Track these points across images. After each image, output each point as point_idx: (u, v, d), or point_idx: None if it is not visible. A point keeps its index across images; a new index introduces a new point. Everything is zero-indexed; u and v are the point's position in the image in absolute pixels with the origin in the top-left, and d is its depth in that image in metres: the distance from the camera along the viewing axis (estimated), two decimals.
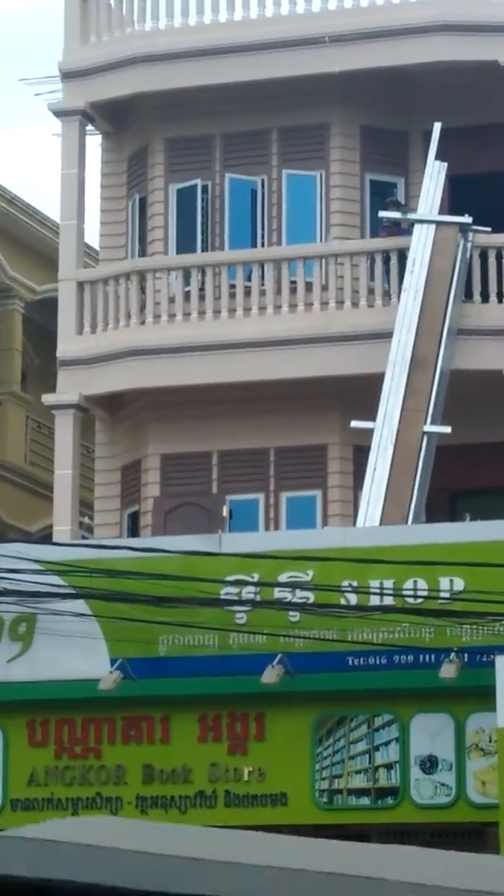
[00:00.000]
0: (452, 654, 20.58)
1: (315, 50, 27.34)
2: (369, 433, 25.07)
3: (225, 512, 26.42)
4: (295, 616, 21.51)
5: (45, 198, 31.82)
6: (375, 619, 21.26)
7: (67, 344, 28.26)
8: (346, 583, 21.38)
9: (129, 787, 21.91)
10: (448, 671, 20.44)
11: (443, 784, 20.89)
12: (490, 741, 19.99)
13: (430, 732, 20.95)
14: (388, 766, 21.14)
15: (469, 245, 26.69)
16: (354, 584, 21.35)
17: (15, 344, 33.14)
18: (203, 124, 28.58)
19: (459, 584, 20.99)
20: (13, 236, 32.64)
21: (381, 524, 23.88)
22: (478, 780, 20.51)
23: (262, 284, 27.53)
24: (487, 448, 25.74)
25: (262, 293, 27.47)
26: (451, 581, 21.06)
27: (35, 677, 22.41)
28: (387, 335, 25.77)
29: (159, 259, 28.24)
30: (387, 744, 21.18)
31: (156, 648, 21.78)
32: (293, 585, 21.65)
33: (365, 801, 21.54)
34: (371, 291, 27.10)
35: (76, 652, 22.08)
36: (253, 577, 21.88)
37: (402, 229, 26.72)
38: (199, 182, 28.66)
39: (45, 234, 31.68)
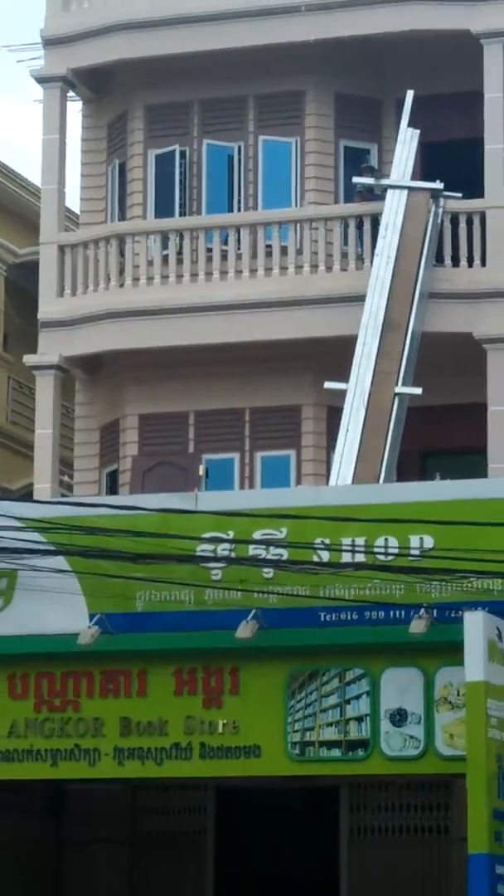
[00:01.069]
0: (422, 610, 20.63)
1: (291, 18, 27.39)
2: (342, 394, 25.17)
3: (201, 471, 26.57)
4: (269, 572, 21.56)
5: (27, 162, 31.83)
6: (347, 575, 21.30)
7: (48, 306, 28.38)
8: (318, 540, 21.41)
9: (106, 739, 21.92)
10: (418, 627, 20.49)
11: (412, 737, 20.92)
12: (458, 695, 20.03)
13: (400, 686, 21.02)
14: (359, 720, 21.16)
15: (440, 210, 26.85)
16: (327, 541, 21.41)
17: None
18: (181, 91, 28.70)
19: (429, 542, 21.05)
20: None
21: (353, 483, 23.94)
22: (446, 733, 20.56)
23: (239, 248, 27.72)
24: (457, 409, 25.89)
25: (239, 257, 27.63)
26: (422, 539, 21.13)
27: (15, 632, 22.37)
28: (360, 299, 25.92)
29: (138, 223, 28.38)
30: (357, 697, 21.20)
31: (133, 604, 21.85)
32: (267, 542, 21.69)
33: (336, 753, 21.40)
34: (345, 256, 27.27)
35: (56, 607, 22.18)
36: (228, 535, 21.93)
37: (375, 195, 26.84)
38: (177, 148, 28.77)
39: (26, 199, 31.77)
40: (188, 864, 25.52)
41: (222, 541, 21.91)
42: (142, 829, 25.63)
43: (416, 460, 25.35)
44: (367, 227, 26.86)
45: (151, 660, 22.08)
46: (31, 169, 31.13)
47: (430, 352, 25.71)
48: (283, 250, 27.53)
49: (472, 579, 20.68)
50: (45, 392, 28.28)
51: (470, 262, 26.81)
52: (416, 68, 27.24)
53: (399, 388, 25.17)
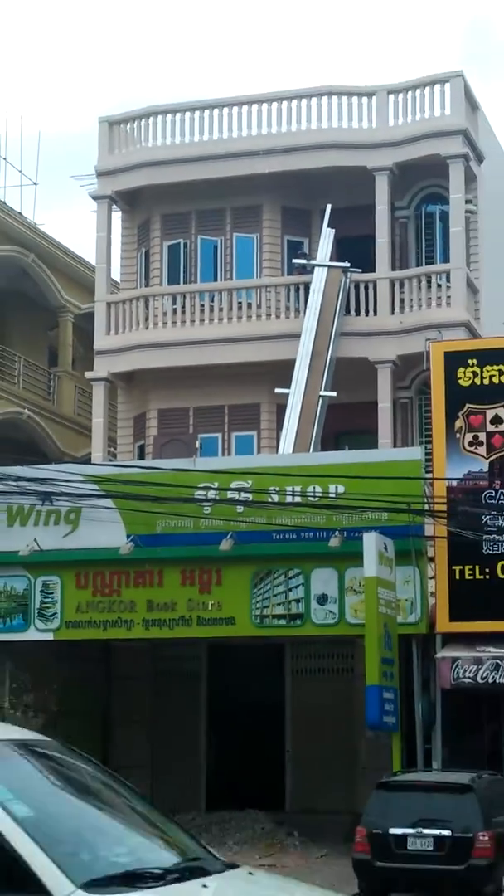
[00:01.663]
0: (336, 532, 21.30)
1: (253, 158, 26.97)
2: (286, 396, 25.50)
3: (197, 445, 26.56)
4: (240, 509, 22.16)
5: (87, 250, 31.65)
6: (289, 510, 21.92)
7: (100, 341, 28.00)
8: (271, 488, 22.05)
9: (137, 613, 22.56)
10: (334, 542, 21.24)
11: (330, 611, 21.58)
12: (359, 585, 20.49)
13: (323, 579, 21.65)
14: (297, 601, 21.84)
15: (348, 280, 26.76)
16: (276, 488, 22.02)
17: (68, 341, 32.85)
18: (184, 204, 28.10)
19: (341, 489, 21.61)
20: (67, 273, 32.42)
21: (293, 452, 24.30)
22: (352, 609, 21.18)
23: (221, 303, 27.35)
24: (358, 405, 25.62)
25: (220, 308, 27.28)
26: (336, 487, 21.70)
27: (80, 546, 22.93)
28: (297, 336, 25.86)
29: (156, 288, 28.02)
30: (296, 587, 21.86)
31: (154, 528, 22.34)
32: (239, 490, 22.23)
33: (283, 622, 22.22)
34: (288, 308, 27.07)
35: (105, 531, 22.77)
36: (214, 485, 22.52)
37: (307, 270, 26.73)
38: (181, 241, 28.20)
39: (86, 272, 31.45)
40: (188, 693, 25.91)
41: (210, 488, 22.62)
42: (159, 671, 26.01)
43: (332, 438, 25.45)
44: (301, 290, 26.61)
45: (166, 563, 22.79)
46: (89, 253, 30.92)
47: (342, 369, 25.72)
48: (249, 305, 27.17)
49: (367, 513, 21.05)
50: (99, 395, 27.96)
51: (367, 312, 26.51)
52: (333, 190, 26.51)
53: (322, 392, 25.46)
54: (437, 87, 27.23)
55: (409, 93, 27.52)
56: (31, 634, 23.23)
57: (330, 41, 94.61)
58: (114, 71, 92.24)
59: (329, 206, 27.27)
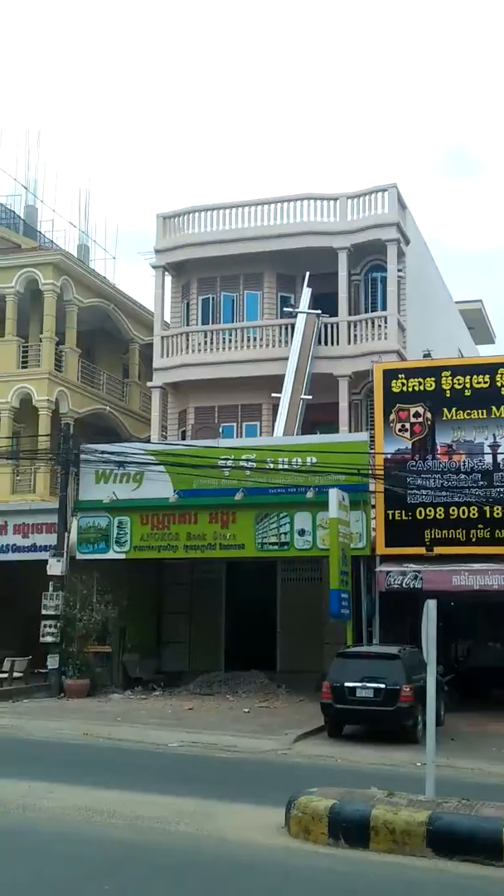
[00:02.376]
0: (311, 488, 21.32)
1: (258, 241, 26.83)
2: (279, 399, 25.48)
3: (220, 430, 26.50)
4: (248, 472, 22.12)
5: (148, 300, 31.47)
6: (280, 474, 21.92)
7: (157, 361, 27.74)
8: (268, 459, 22.07)
9: (180, 541, 22.54)
10: (310, 494, 21.34)
11: (307, 540, 21.58)
12: (326, 523, 20.52)
13: (302, 519, 21.67)
14: (285, 533, 21.88)
15: (320, 321, 26.54)
16: (271, 460, 22.02)
17: (135, 361, 32.61)
18: (212, 272, 27.78)
19: (314, 460, 21.65)
20: (134, 317, 32.09)
21: (283, 435, 24.30)
22: (321, 539, 21.16)
23: (235, 337, 27.10)
24: (326, 404, 25.49)
25: (235, 340, 27.02)
26: (311, 459, 21.76)
27: (143, 496, 22.86)
28: (286, 358, 25.80)
29: (193, 327, 27.77)
30: (285, 524, 21.87)
31: (192, 485, 22.31)
32: (247, 460, 22.23)
33: (275, 547, 22.12)
34: (280, 340, 26.82)
35: (159, 487, 22.79)
36: (230, 457, 22.49)
37: (293, 315, 26.53)
38: (210, 295, 27.80)
39: (147, 316, 31.12)
40: (213, 594, 25.78)
41: (228, 459, 22.57)
42: (194, 579, 25.85)
43: (309, 426, 25.26)
44: (289, 329, 26.42)
45: (199, 509, 22.67)
46: (150, 303, 30.54)
47: (316, 380, 25.62)
48: (254, 338, 26.87)
49: (331, 475, 21.09)
50: (155, 398, 27.92)
51: (332, 343, 26.28)
52: (310, 263, 26.26)
53: (302, 396, 25.45)
54: (379, 195, 27.10)
55: (362, 198, 27.33)
56: (111, 555, 23.27)
57: (314, 154, 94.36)
58: (166, 179, 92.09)
59: (308, 274, 27.15)
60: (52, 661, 22.33)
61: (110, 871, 7.48)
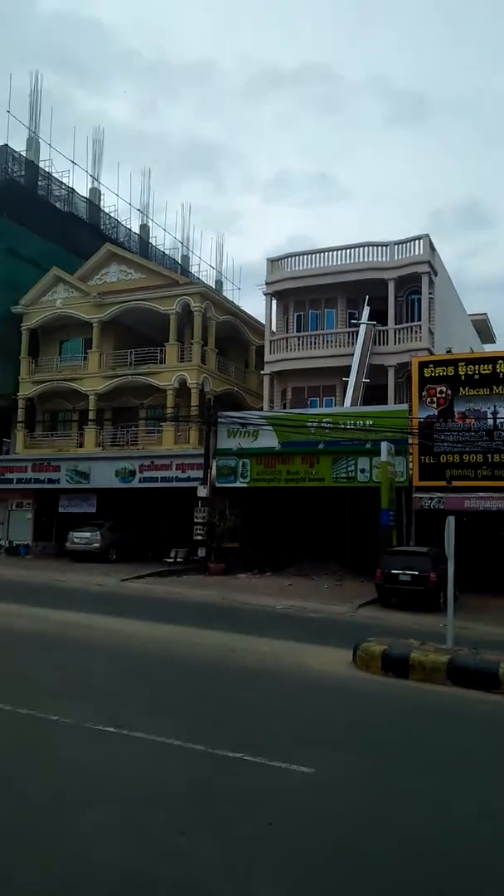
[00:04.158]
0: (369, 441, 21.04)
1: (333, 276, 26.72)
2: (347, 381, 25.17)
3: (308, 403, 26.36)
4: (327, 430, 21.91)
5: (261, 316, 31.25)
6: (349, 431, 21.65)
7: (267, 357, 27.54)
8: (340, 422, 21.77)
9: (282, 476, 22.51)
10: (368, 445, 20.96)
11: (366, 476, 21.34)
12: (379, 465, 20.24)
13: (363, 462, 21.33)
14: (352, 471, 21.61)
15: (375, 329, 25.95)
16: (343, 422, 21.71)
17: (252, 357, 32.24)
18: (302, 297, 27.28)
19: (371, 422, 21.34)
20: (252, 327, 31.49)
21: (350, 405, 24.04)
22: (375, 476, 20.85)
23: (318, 340, 26.73)
24: (378, 386, 25.10)
25: (318, 342, 26.81)
26: (370, 422, 21.46)
27: (258, 446, 22.79)
28: (352, 353, 25.46)
29: (290, 334, 27.47)
30: (352, 465, 21.58)
31: (289, 438, 22.24)
32: (327, 422, 22.04)
33: (345, 480, 21.84)
34: (348, 342, 26.28)
35: (267, 440, 22.70)
36: (315, 420, 22.30)
37: (357, 325, 26.01)
38: (302, 312, 27.29)
39: (260, 327, 30.61)
40: (304, 512, 24.87)
41: (314, 421, 22.20)
42: (292, 501, 24.79)
43: (368, 400, 24.82)
44: (354, 334, 25.77)
45: (295, 454, 22.40)
46: (261, 317, 30.40)
47: (371, 370, 25.28)
48: (332, 340, 26.47)
49: (382, 433, 20.76)
50: (266, 382, 27.56)
51: (383, 343, 25.80)
52: (369, 289, 25.83)
53: (363, 380, 25.14)
54: (417, 241, 26.24)
55: (404, 244, 26.50)
56: (237, 484, 23.29)
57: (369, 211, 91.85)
58: (272, 234, 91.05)
59: (367, 296, 26.57)
60: (201, 552, 22.88)
61: (240, 684, 7.83)
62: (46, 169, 34.59)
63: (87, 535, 25.22)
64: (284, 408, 27.01)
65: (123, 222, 39.06)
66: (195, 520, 23.00)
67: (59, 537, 27.29)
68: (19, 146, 33.63)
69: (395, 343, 26.26)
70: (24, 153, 33.54)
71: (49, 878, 3.43)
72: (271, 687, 7.83)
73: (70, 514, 27.16)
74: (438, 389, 21.02)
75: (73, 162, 36.21)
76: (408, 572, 16.38)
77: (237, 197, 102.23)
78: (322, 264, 27.61)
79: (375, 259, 26.98)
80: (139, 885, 3.41)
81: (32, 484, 27.25)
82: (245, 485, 23.36)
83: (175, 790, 4.58)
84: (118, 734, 5.62)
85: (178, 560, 23.80)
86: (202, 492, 23.19)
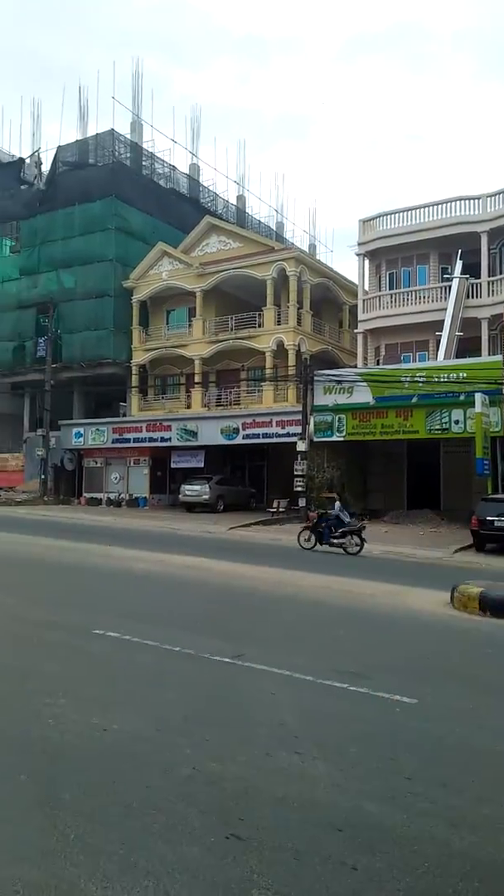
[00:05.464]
0: (463, 393, 20.35)
1: (425, 232, 25.53)
2: (440, 335, 24.40)
3: (401, 359, 25.76)
4: (420, 384, 21.32)
5: (353, 276, 30.55)
6: (443, 384, 20.97)
7: (360, 316, 27.03)
8: (434, 376, 21.10)
9: (377, 429, 22.16)
10: (462, 397, 20.28)
11: (460, 427, 20.80)
12: (473, 415, 19.52)
13: (456, 413, 20.74)
14: (446, 422, 21.06)
15: (468, 282, 24.94)
16: (436, 376, 21.02)
17: (346, 316, 31.74)
18: (394, 255, 26.58)
19: (465, 374, 20.60)
20: (345, 287, 31.01)
21: (444, 359, 23.27)
22: (469, 426, 20.19)
23: (410, 297, 26.04)
24: (472, 338, 24.35)
25: (410, 298, 26.13)
26: (463, 374, 20.73)
27: (353, 401, 22.54)
28: (445, 308, 24.57)
29: (383, 292, 26.70)
30: (446, 417, 21.05)
31: (383, 393, 21.84)
32: (420, 376, 21.45)
33: (439, 432, 21.18)
34: (441, 297, 25.31)
35: (363, 395, 22.39)
36: (409, 375, 21.74)
37: (450, 279, 24.94)
38: (394, 270, 26.62)
39: (353, 286, 30.15)
40: (399, 465, 24.86)
41: (407, 376, 21.68)
42: (387, 452, 24.90)
43: (461, 353, 23.97)
44: (447, 288, 24.73)
45: (388, 408, 22.04)
46: (354, 277, 29.76)
47: (464, 323, 24.28)
48: (425, 296, 25.57)
49: (476, 384, 20.03)
50: (360, 339, 26.87)
51: (476, 296, 24.73)
52: (462, 242, 24.58)
53: (457, 333, 24.28)
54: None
55: (496, 196, 25.03)
56: (334, 438, 23.21)
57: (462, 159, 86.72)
58: (363, 192, 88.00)
59: (460, 250, 25.47)
60: (301, 502, 23.03)
61: (341, 622, 7.85)
62: (149, 149, 34.80)
63: (197, 487, 25.96)
64: (378, 364, 26.43)
65: (221, 194, 38.85)
66: (295, 472, 23.12)
67: (172, 490, 28.34)
68: (124, 129, 34.00)
69: (488, 296, 25.03)
70: (128, 136, 33.84)
71: (167, 786, 3.56)
72: (372, 624, 7.82)
73: (181, 469, 28.04)
74: None
75: (173, 140, 36.55)
76: (502, 518, 15.88)
77: (330, 161, 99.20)
78: (413, 221, 26.48)
79: (467, 213, 25.61)
80: (249, 797, 3.47)
81: (147, 443, 28.29)
82: (341, 438, 23.17)
83: (284, 715, 4.67)
84: (233, 664, 5.79)
85: (280, 510, 24.06)
86: (301, 446, 23.20)
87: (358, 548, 15.04)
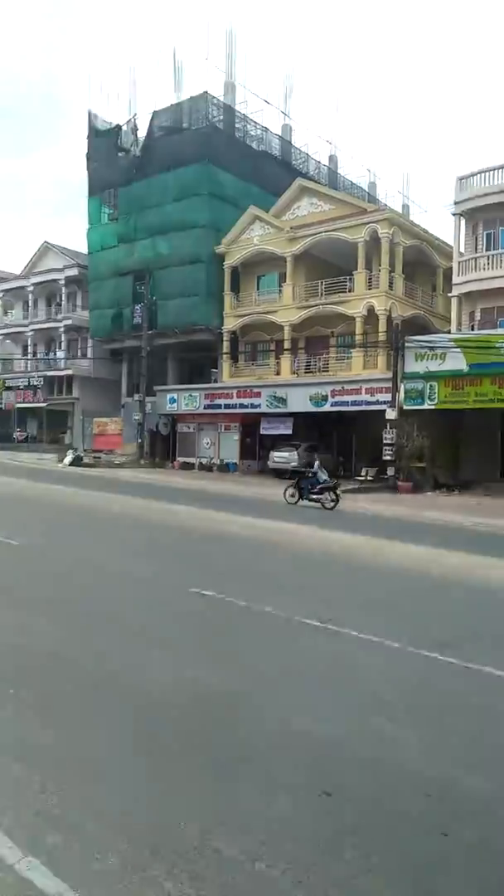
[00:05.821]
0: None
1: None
2: None
3: (497, 323, 24.48)
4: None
5: (448, 237, 29.29)
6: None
7: (455, 279, 25.58)
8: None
9: (470, 397, 21.42)
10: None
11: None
12: None
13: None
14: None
15: None
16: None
17: (440, 280, 30.38)
18: (491, 214, 24.77)
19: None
20: (440, 250, 29.59)
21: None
22: None
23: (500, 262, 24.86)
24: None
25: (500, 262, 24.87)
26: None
27: (446, 369, 21.82)
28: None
29: (479, 253, 25.10)
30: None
31: (479, 360, 20.90)
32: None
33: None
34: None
35: (456, 362, 21.66)
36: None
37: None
38: (491, 230, 24.84)
39: (447, 248, 28.95)
40: (492, 431, 23.78)
41: (503, 342, 20.64)
42: (479, 422, 23.69)
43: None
44: None
45: (484, 376, 21.17)
46: (449, 239, 28.38)
47: None
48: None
49: None
50: (454, 304, 25.25)
51: None
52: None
53: None
54: None
55: None
56: (425, 406, 22.60)
57: None
58: (458, 149, 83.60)
59: None
60: (390, 471, 22.74)
61: (433, 593, 7.77)
62: (241, 111, 34.32)
63: (286, 454, 26.09)
64: (473, 329, 25.18)
65: (313, 155, 37.98)
66: (384, 440, 22.77)
67: (261, 457, 28.60)
68: (217, 92, 33.59)
69: None
70: (221, 98, 33.45)
71: (258, 741, 3.67)
72: (462, 594, 7.72)
73: (270, 436, 28.20)
74: None
75: (266, 101, 35.66)
76: None
77: (426, 117, 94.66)
78: None
79: None
80: (341, 757, 3.53)
81: (237, 409, 28.59)
82: (433, 407, 22.51)
83: (375, 680, 4.71)
84: (324, 628, 5.89)
85: (369, 478, 23.87)
86: (390, 414, 22.78)
87: (333, 503, 16.24)
